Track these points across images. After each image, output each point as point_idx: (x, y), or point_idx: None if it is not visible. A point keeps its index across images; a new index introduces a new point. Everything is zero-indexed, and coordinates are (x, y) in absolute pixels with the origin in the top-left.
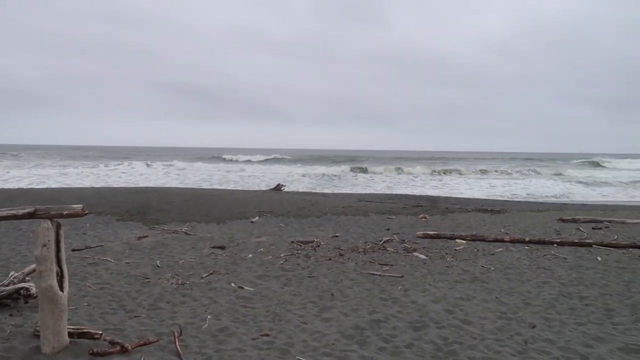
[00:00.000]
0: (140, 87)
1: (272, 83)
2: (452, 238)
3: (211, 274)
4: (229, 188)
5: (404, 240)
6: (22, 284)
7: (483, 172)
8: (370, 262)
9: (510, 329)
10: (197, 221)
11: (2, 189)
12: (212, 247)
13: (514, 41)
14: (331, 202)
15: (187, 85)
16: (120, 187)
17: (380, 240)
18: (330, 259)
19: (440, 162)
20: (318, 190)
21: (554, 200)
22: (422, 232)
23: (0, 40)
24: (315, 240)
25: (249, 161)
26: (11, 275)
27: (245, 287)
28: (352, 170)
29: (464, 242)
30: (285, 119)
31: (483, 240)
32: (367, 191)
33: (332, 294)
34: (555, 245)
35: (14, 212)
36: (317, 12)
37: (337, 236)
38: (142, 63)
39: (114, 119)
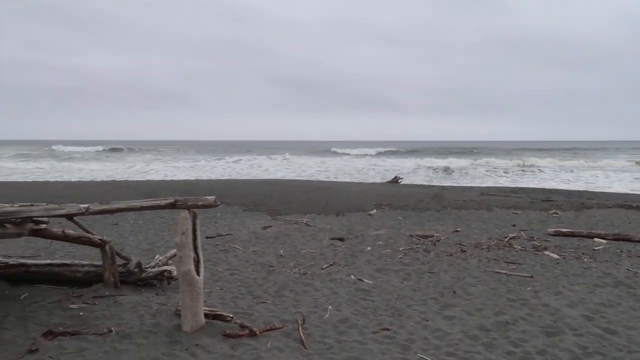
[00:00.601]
0: (256, 83)
1: (383, 74)
2: (590, 237)
3: (331, 265)
4: (344, 181)
5: (533, 237)
6: (165, 267)
7: (627, 163)
8: (495, 259)
9: None
10: (316, 213)
11: (144, 181)
12: (332, 239)
13: None
14: (451, 195)
15: (300, 79)
16: (245, 180)
17: (506, 237)
18: (451, 254)
19: (570, 152)
20: (436, 182)
21: None
22: (553, 229)
23: (137, 48)
24: (435, 234)
25: (363, 155)
26: (156, 259)
27: (364, 280)
28: (471, 162)
29: (604, 241)
30: (397, 110)
31: (628, 240)
32: (489, 184)
33: (454, 292)
34: None
35: (157, 202)
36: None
37: (458, 231)
38: (258, 60)
39: (234, 114)
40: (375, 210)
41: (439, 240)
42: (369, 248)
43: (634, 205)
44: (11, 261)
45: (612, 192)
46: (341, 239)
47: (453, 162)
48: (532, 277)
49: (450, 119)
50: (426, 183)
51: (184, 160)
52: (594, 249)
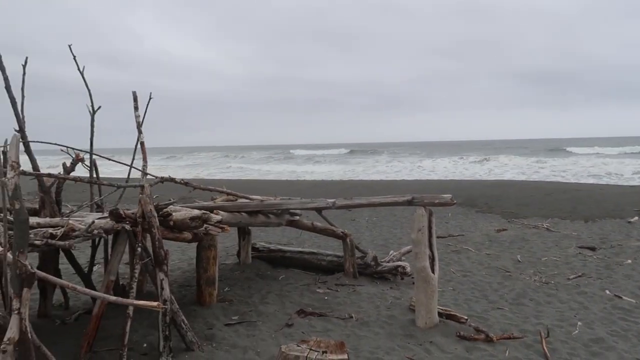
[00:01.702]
0: (489, 78)
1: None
2: None
3: (579, 276)
4: (595, 182)
5: None
6: (399, 263)
7: None
8: None
9: None
10: (560, 217)
11: (378, 180)
12: (580, 247)
13: None
14: None
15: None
16: (477, 180)
17: None
18: None
19: None
20: None
21: None
22: None
23: (375, 55)
24: None
25: (622, 154)
26: (390, 254)
27: (624, 297)
28: None
29: None
30: None
31: None
32: None
33: None
34: None
35: (395, 199)
36: None
37: None
38: (490, 55)
39: (465, 113)
40: (637, 218)
41: None
42: (630, 261)
43: None
44: (272, 247)
45: None
46: (592, 248)
47: None
48: None
49: None
50: None
51: (414, 161)
52: None
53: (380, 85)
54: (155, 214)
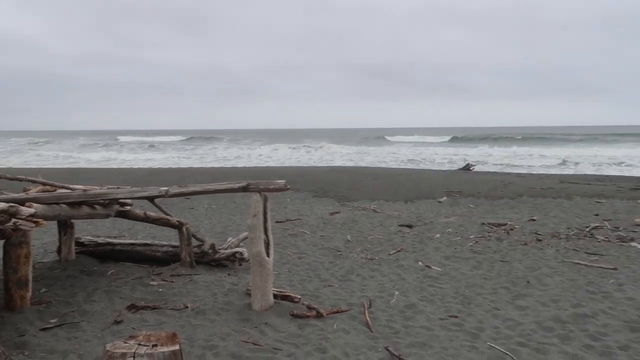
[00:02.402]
0: (329, 70)
1: (459, 58)
2: None
3: (399, 251)
4: (415, 168)
5: (618, 227)
6: (237, 249)
7: None
8: (574, 250)
9: None
10: (385, 199)
11: (219, 167)
12: (400, 225)
13: None
14: (527, 182)
15: (375, 66)
16: (315, 166)
17: (587, 227)
18: (525, 243)
19: None
20: (511, 170)
21: None
22: None
23: (218, 41)
24: (509, 223)
25: (439, 142)
26: (229, 241)
27: (432, 267)
28: (550, 148)
29: None
30: (474, 96)
31: None
32: (570, 172)
33: (528, 281)
34: None
35: (231, 185)
36: None
37: (534, 220)
38: (332, 48)
39: (306, 102)
40: (445, 198)
41: (512, 229)
42: (438, 235)
43: None
44: (100, 240)
45: None
46: (409, 226)
47: (527, 150)
48: (615, 269)
49: (533, 103)
50: (500, 170)
51: (254, 148)
52: None
53: (226, 71)
54: None
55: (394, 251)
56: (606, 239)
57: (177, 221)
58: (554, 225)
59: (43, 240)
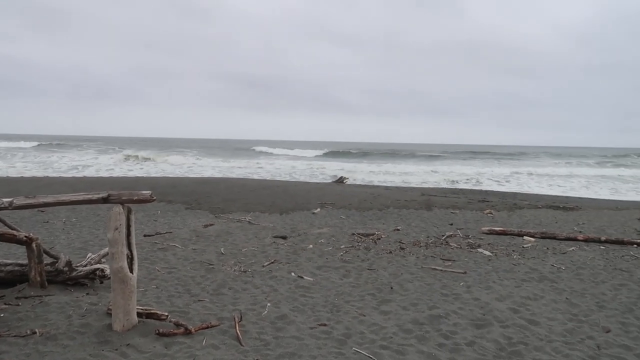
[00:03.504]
0: (204, 78)
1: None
2: (520, 235)
3: (272, 262)
4: (291, 180)
5: (468, 235)
6: (98, 265)
7: (555, 165)
8: (432, 256)
9: (581, 332)
10: (260, 211)
11: (81, 177)
12: (274, 237)
13: (593, 29)
14: (394, 195)
15: (249, 76)
16: (189, 177)
17: (443, 235)
18: (390, 252)
19: (508, 157)
20: (379, 183)
21: (635, 198)
22: (487, 228)
23: (78, 39)
24: (376, 233)
25: (314, 156)
26: (88, 257)
27: (304, 277)
28: (416, 163)
29: (532, 239)
30: (346, 112)
31: (554, 238)
32: (431, 185)
33: (392, 287)
34: (636, 246)
35: (89, 197)
36: (387, 3)
37: (398, 229)
38: (207, 55)
39: (179, 110)
40: (319, 209)
41: (379, 239)
42: (311, 246)
43: (560, 205)
44: None
45: (542, 194)
46: (284, 237)
47: (395, 164)
48: (465, 272)
49: (397, 121)
50: (370, 184)
51: (124, 157)
52: (523, 247)
53: (87, 73)
54: None
55: (268, 263)
56: (458, 246)
57: (25, 237)
58: (415, 234)
59: None
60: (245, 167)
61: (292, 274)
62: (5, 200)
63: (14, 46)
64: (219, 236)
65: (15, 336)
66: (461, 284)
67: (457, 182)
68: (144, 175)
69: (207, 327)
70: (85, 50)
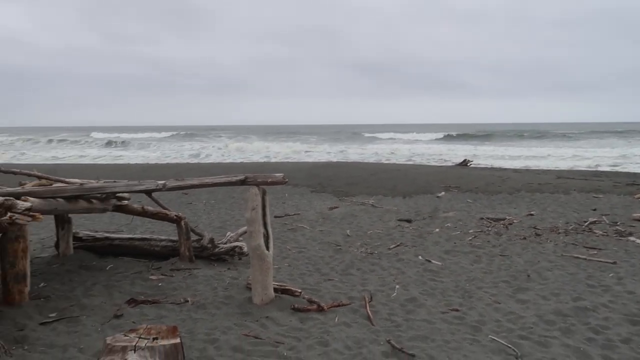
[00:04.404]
0: (321, 67)
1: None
2: None
3: (398, 245)
4: (411, 163)
5: (616, 222)
6: (237, 243)
7: None
8: (572, 244)
9: None
10: (383, 194)
11: (216, 163)
12: (399, 220)
13: None
14: (524, 178)
15: (369, 63)
16: (312, 162)
17: (585, 221)
18: (524, 238)
19: None
20: (508, 165)
21: None
22: (639, 214)
23: (207, 35)
24: (507, 217)
25: (434, 139)
26: (228, 235)
27: (432, 261)
28: (543, 145)
29: None
30: (466, 93)
31: None
32: (567, 167)
33: (528, 275)
34: None
35: (229, 179)
36: None
37: (532, 214)
38: (326, 45)
39: (302, 99)
40: (443, 193)
41: (511, 224)
42: (437, 230)
43: None
44: (98, 235)
45: None
46: (408, 220)
47: (524, 144)
48: (615, 263)
49: (525, 100)
50: (495, 166)
51: (252, 143)
52: None
53: (218, 67)
54: None
55: (394, 245)
56: (604, 234)
57: (175, 215)
58: (552, 220)
59: (40, 236)
60: (362, 151)
61: (419, 257)
62: (159, 182)
63: (158, 48)
64: (344, 218)
65: (171, 303)
66: (610, 274)
67: (598, 164)
68: (269, 160)
69: (339, 305)
70: (215, 46)
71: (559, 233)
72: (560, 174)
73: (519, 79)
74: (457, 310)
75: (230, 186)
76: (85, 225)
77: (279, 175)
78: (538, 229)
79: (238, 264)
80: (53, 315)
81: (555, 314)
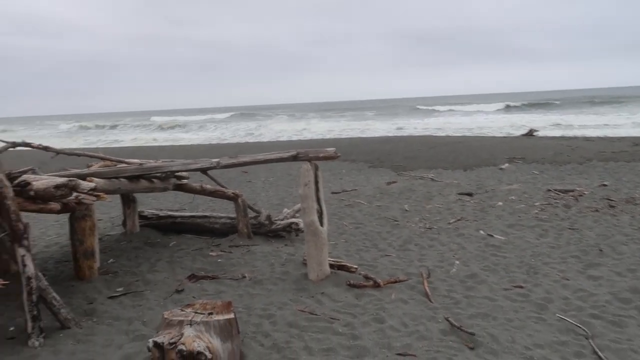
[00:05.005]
0: (379, 40)
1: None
2: None
3: (459, 220)
4: (472, 135)
5: None
6: (293, 219)
7: None
8: None
9: None
10: (443, 168)
11: (275, 141)
12: (459, 194)
13: None
14: (596, 146)
15: (424, 32)
16: (369, 137)
17: None
18: (597, 210)
19: None
20: (577, 133)
21: None
22: None
23: (265, 16)
24: (577, 189)
25: (495, 110)
26: (284, 212)
27: (495, 236)
28: (617, 111)
29: None
30: (531, 59)
31: None
32: None
33: (601, 250)
34: None
35: (280, 155)
36: None
37: (605, 185)
38: (375, 16)
39: (351, 74)
40: (507, 165)
41: (581, 195)
42: (501, 203)
43: None
44: (161, 213)
45: None
46: (469, 194)
47: (595, 111)
48: None
49: (595, 63)
50: (564, 135)
51: (308, 120)
52: None
53: (271, 46)
54: (8, 184)
55: (454, 220)
56: None
57: (233, 193)
58: (628, 191)
59: (110, 215)
60: (420, 125)
61: (481, 231)
62: (214, 160)
63: (214, 31)
64: (402, 193)
65: (230, 279)
66: None
67: None
68: (324, 137)
69: (395, 282)
70: (265, 25)
71: (636, 204)
72: (637, 141)
73: (587, 41)
74: (521, 287)
75: (286, 163)
76: (152, 204)
77: (331, 150)
78: (612, 200)
79: (295, 240)
80: (120, 289)
81: (631, 292)
